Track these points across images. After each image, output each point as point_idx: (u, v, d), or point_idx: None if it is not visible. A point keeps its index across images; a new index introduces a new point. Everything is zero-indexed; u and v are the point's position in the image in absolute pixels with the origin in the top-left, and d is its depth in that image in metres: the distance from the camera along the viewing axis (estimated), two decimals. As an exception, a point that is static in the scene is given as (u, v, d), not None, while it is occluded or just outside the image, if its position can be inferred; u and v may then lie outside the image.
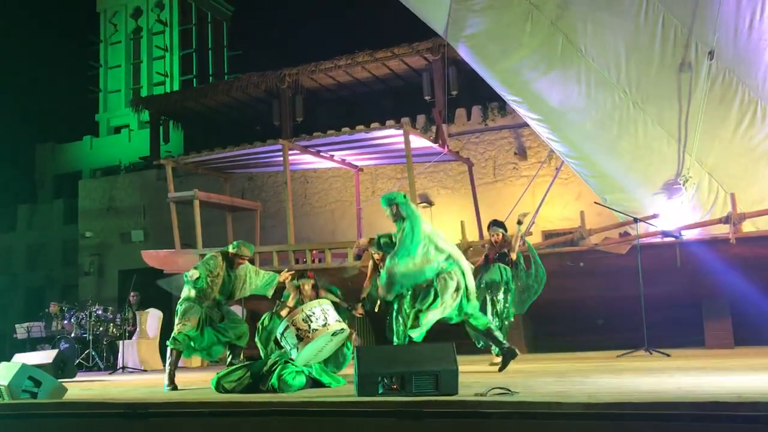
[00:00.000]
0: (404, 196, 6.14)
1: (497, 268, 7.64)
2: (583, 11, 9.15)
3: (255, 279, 6.58)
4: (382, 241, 6.34)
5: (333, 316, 5.39)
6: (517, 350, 6.36)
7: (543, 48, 9.32)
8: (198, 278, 6.19)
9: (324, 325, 5.24)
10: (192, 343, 6.27)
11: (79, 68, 31.42)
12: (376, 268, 7.91)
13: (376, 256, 7.81)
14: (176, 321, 6.34)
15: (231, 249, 6.42)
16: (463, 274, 6.11)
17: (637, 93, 9.07)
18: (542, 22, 9.22)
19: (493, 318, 7.27)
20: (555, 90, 9.44)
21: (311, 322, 5.22)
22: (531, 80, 9.55)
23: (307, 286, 8.44)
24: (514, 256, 7.73)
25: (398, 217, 6.00)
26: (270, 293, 6.69)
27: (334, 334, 5.32)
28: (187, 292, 6.34)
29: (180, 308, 6.33)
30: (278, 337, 5.38)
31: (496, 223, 8.01)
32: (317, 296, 8.34)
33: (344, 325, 5.47)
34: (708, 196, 9.03)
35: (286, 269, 7.02)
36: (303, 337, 5.18)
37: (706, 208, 9.02)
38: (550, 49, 9.28)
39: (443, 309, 6.02)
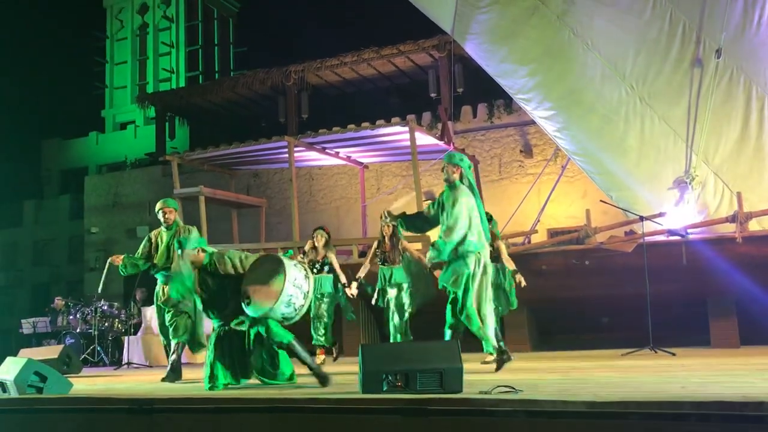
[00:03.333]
0: (469, 165, 5.89)
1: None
2: (589, 6, 9.11)
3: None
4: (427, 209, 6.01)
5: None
6: (510, 355, 5.91)
7: (549, 43, 9.29)
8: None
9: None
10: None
11: (85, 64, 31.54)
12: (379, 246, 7.82)
13: (386, 230, 7.71)
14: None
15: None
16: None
17: (644, 88, 9.01)
18: (548, 17, 9.19)
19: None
20: (561, 85, 9.41)
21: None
22: (538, 75, 9.52)
23: (320, 238, 8.22)
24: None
25: (451, 183, 5.74)
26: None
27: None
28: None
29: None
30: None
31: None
32: (326, 252, 8.26)
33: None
34: (714, 196, 8.98)
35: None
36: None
37: (712, 207, 8.98)
38: (556, 44, 9.25)
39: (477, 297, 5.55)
